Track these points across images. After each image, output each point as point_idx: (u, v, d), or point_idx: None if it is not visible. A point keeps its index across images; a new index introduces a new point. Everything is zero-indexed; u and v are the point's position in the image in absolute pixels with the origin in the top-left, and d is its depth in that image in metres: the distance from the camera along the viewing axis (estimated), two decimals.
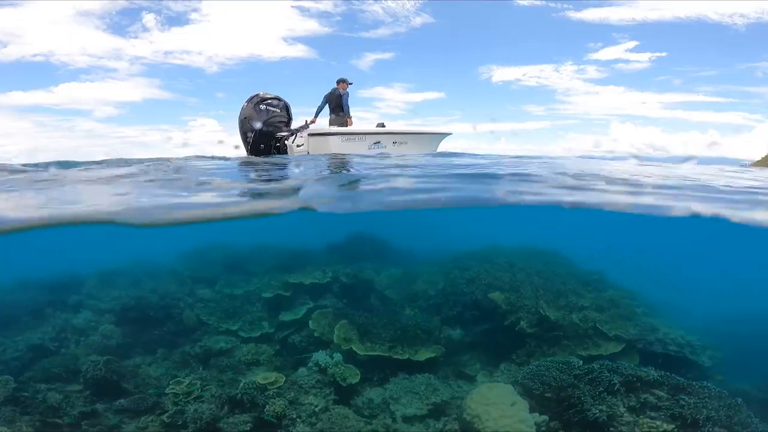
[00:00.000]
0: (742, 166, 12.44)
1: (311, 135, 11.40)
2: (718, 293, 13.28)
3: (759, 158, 12.13)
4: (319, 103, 11.88)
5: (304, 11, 22.10)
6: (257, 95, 9.57)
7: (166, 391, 7.93)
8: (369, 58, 24.51)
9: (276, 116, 9.64)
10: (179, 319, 11.18)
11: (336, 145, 11.46)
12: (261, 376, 8.33)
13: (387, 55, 24.36)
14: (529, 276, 11.21)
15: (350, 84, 11.20)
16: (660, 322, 9.80)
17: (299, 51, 23.89)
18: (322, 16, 21.90)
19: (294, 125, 10.61)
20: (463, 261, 12.51)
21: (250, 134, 9.25)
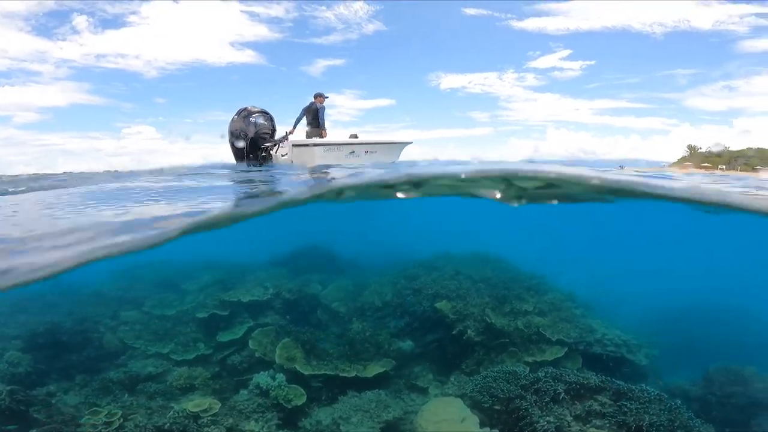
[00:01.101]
0: (661, 167, 13.26)
1: (295, 145, 12.02)
2: (651, 291, 14.10)
3: (675, 160, 12.99)
4: (298, 115, 12.42)
5: (253, 16, 21.35)
6: (246, 109, 10.32)
7: (81, 421, 6.99)
8: (320, 65, 24.19)
9: (263, 128, 10.31)
10: (99, 343, 10.01)
11: (318, 156, 12.09)
12: (193, 403, 7.56)
13: (338, 62, 24.23)
14: (475, 283, 11.25)
15: (326, 98, 11.98)
16: (597, 323, 10.19)
17: (247, 56, 23.03)
18: (273, 21, 21.33)
19: (276, 136, 11.15)
20: (411, 270, 12.36)
21: (239, 144, 9.94)
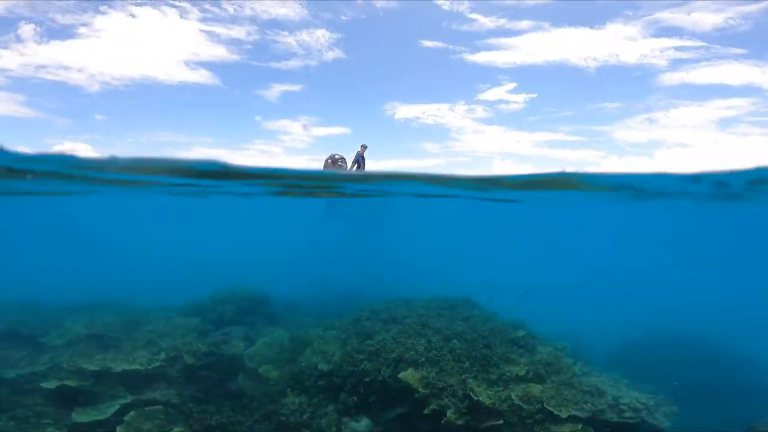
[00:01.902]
0: None
1: None
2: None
3: None
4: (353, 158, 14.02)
5: (213, 36, 19.98)
6: (333, 156, 12.57)
7: None
8: (276, 89, 22.83)
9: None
10: None
11: None
12: None
13: (295, 87, 22.98)
14: (448, 341, 8.79)
15: (366, 147, 13.71)
16: (602, 381, 8.13)
17: (201, 76, 21.21)
18: (233, 43, 20.02)
19: None
20: (365, 323, 9.66)
21: None
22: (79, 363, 7.45)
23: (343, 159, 13.05)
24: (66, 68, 19.63)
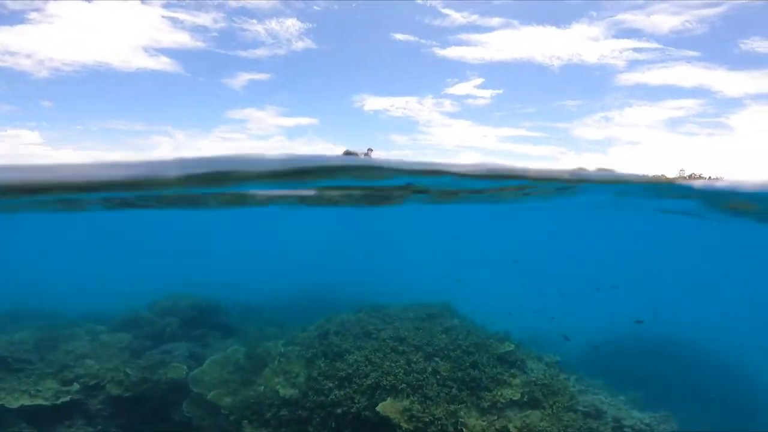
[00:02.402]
0: None
1: None
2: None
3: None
4: None
5: (176, 23, 18.57)
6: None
7: None
8: (242, 78, 21.64)
9: None
10: None
11: None
12: None
13: (262, 76, 21.85)
14: (429, 358, 7.69)
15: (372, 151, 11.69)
16: (599, 400, 7.38)
17: (161, 63, 19.69)
18: (197, 30, 18.65)
19: None
20: (333, 339, 8.36)
21: None
22: None
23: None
24: (12, 54, 17.67)
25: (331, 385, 6.66)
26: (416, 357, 7.63)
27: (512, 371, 7.66)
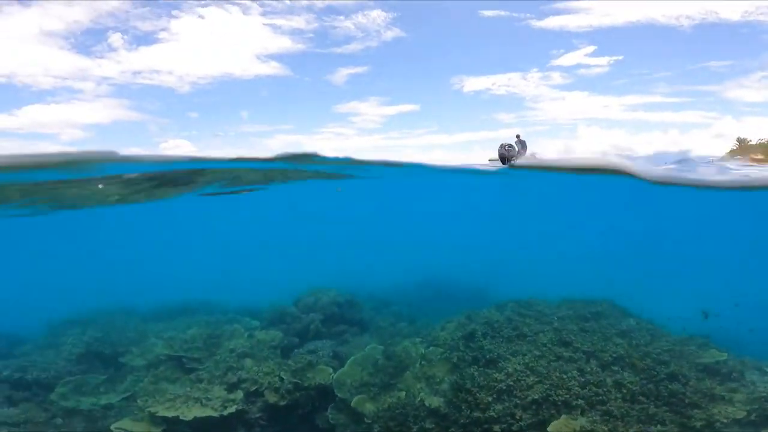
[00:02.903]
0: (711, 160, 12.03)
1: None
2: None
3: (724, 153, 12.14)
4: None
5: (276, 29, 20.80)
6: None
7: None
8: (342, 73, 23.00)
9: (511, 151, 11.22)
10: None
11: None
12: None
13: (360, 69, 22.89)
14: (606, 368, 6.23)
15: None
16: None
17: (273, 68, 22.28)
18: (294, 33, 20.54)
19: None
20: (482, 342, 7.39)
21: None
22: (152, 406, 6.26)
23: (511, 146, 12.03)
24: (158, 72, 21.21)
25: (488, 398, 5.75)
26: (589, 366, 6.27)
27: (728, 385, 5.79)
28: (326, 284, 12.35)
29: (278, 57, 21.99)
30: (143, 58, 21.15)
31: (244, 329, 9.76)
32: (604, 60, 21.17)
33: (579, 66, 21.59)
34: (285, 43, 21.40)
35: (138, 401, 6.72)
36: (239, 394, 6.44)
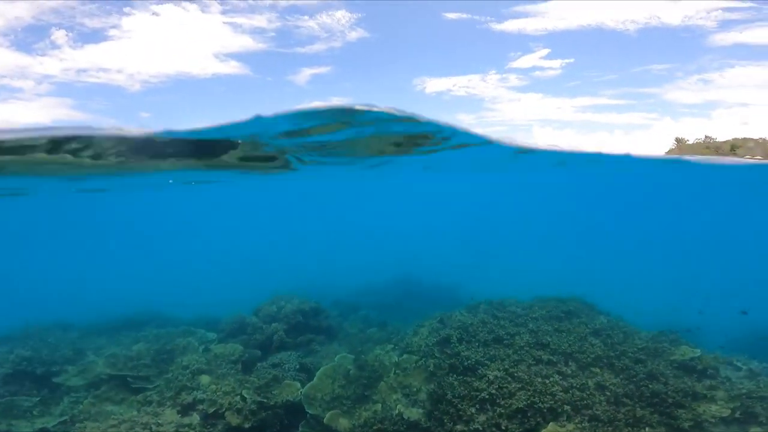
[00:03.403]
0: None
1: None
2: None
3: (663, 153, 12.74)
4: None
5: (236, 27, 19.70)
6: None
7: None
8: (305, 73, 22.39)
9: None
10: None
11: None
12: None
13: (323, 69, 22.33)
14: (585, 369, 6.14)
15: None
16: None
17: (232, 68, 21.14)
18: (256, 32, 19.57)
19: None
20: (457, 347, 7.11)
21: None
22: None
23: None
24: (105, 70, 19.63)
25: (472, 409, 5.45)
26: (569, 368, 6.14)
27: (706, 382, 5.84)
28: (288, 289, 11.71)
29: (238, 56, 21.10)
30: (90, 56, 19.57)
31: (199, 343, 8.97)
32: (557, 63, 21.93)
33: (534, 68, 22.27)
34: (246, 42, 20.57)
35: (77, 425, 5.85)
36: (195, 418, 5.74)
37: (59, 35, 18.50)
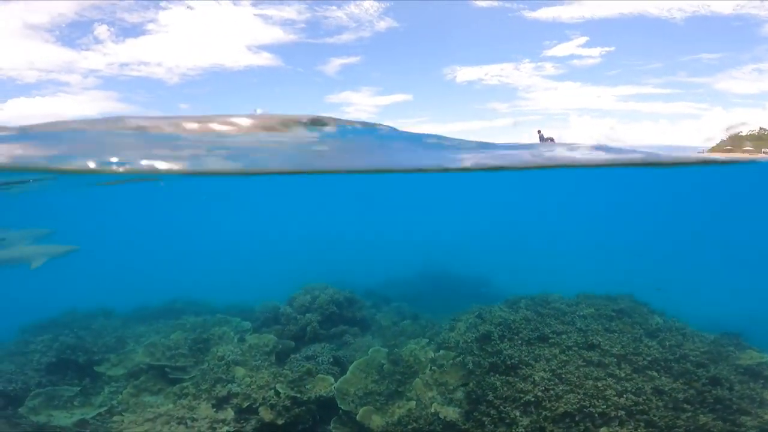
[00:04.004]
0: (699, 152, 12.24)
1: None
2: None
3: (713, 145, 12.31)
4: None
5: (267, 19, 20.30)
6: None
7: None
8: (335, 63, 22.71)
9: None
10: None
11: None
12: None
13: (353, 59, 22.54)
14: (640, 372, 5.68)
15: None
16: None
17: (264, 59, 21.84)
18: (286, 23, 20.03)
19: None
20: (498, 344, 6.77)
21: None
22: (129, 427, 5.51)
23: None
24: (146, 64, 20.64)
25: (516, 412, 5.14)
26: (622, 371, 5.70)
27: None
28: (319, 279, 11.66)
29: (269, 47, 21.55)
30: (131, 50, 20.50)
31: (234, 332, 9.05)
32: (596, 51, 20.97)
33: (572, 57, 21.39)
34: (276, 34, 20.94)
35: (114, 419, 5.97)
36: (229, 413, 5.73)
37: (101, 30, 19.47)
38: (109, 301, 12.25)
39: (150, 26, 19.47)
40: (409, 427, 5.81)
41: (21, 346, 9.24)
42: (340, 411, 6.45)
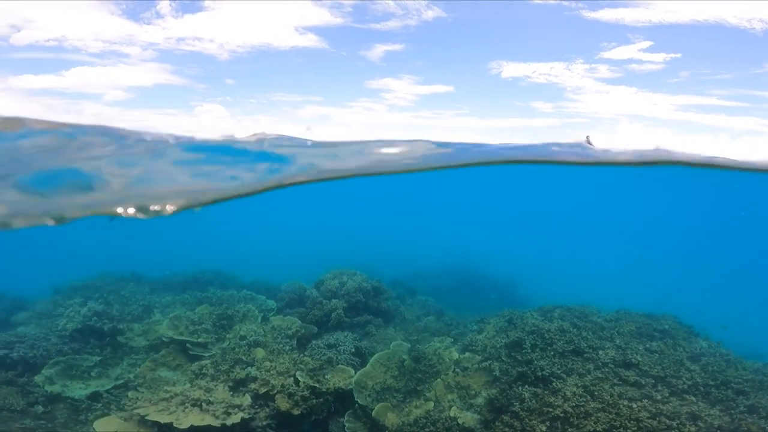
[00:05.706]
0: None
1: None
2: None
3: None
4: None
5: (316, 1, 20.83)
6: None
7: None
8: (379, 50, 23.04)
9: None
10: None
11: None
12: None
13: (397, 47, 22.77)
14: (678, 396, 5.47)
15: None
16: None
17: (310, 41, 22.58)
18: (334, 6, 20.54)
19: None
20: (529, 353, 6.64)
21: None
22: (143, 406, 5.74)
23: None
24: (200, 39, 22.14)
25: (543, 427, 5.06)
26: (659, 394, 5.50)
27: None
28: (346, 264, 11.72)
29: (316, 30, 22.12)
30: (188, 26, 21.75)
31: (259, 311, 9.26)
32: (659, 57, 20.08)
33: (630, 61, 20.59)
34: (324, 16, 21.48)
35: (129, 395, 6.23)
36: (246, 399, 5.88)
37: (164, 5, 20.87)
38: (139, 268, 12.77)
39: (206, 2, 20.70)
40: (426, 429, 5.83)
41: (50, 308, 9.76)
42: (356, 405, 6.55)
